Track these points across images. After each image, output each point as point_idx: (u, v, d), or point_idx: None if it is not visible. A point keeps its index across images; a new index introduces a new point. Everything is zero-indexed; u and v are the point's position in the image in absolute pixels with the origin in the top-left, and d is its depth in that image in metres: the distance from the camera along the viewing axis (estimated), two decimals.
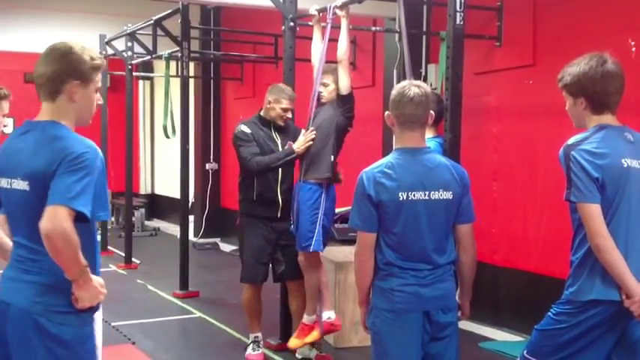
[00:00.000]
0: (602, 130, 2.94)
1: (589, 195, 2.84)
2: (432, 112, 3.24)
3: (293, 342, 5.24)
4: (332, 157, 4.98)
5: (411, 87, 3.16)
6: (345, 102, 4.98)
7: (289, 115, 5.39)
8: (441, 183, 3.15)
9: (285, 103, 5.31)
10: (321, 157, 4.99)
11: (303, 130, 5.12)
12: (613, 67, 2.95)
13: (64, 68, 2.62)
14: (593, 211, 2.84)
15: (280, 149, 5.29)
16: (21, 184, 2.60)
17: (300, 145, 5.05)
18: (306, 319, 5.16)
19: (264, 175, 5.28)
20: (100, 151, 2.63)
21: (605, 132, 2.93)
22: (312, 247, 4.92)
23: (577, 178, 2.85)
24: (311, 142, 5.01)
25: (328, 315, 5.14)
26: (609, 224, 2.85)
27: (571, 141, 2.94)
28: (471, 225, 3.27)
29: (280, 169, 5.30)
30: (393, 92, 3.21)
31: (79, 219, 2.49)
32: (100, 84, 2.75)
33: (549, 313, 3.04)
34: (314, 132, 5.01)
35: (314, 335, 5.15)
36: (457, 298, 3.33)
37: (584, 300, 2.90)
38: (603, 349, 2.94)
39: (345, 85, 4.93)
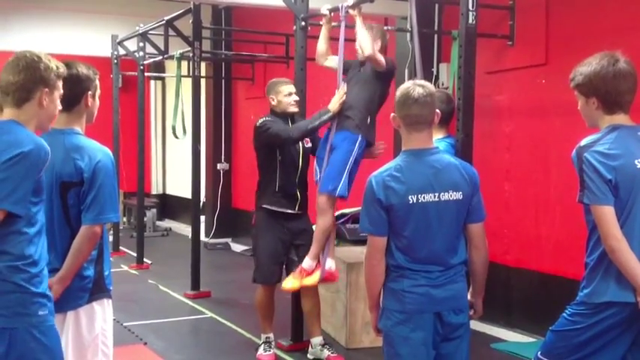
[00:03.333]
0: (614, 130, 2.91)
1: (602, 197, 2.82)
2: (437, 110, 3.21)
3: (290, 281, 4.99)
4: (367, 113, 4.83)
5: (415, 87, 3.14)
6: (381, 72, 4.81)
7: (297, 97, 5.35)
8: (450, 184, 3.12)
9: (286, 89, 5.32)
10: (355, 109, 4.83)
11: (336, 90, 4.96)
12: (625, 66, 2.92)
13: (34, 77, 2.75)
14: (607, 214, 2.81)
15: (300, 143, 5.30)
16: None
17: (334, 103, 4.90)
18: (306, 263, 4.94)
19: (286, 167, 5.26)
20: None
21: (618, 132, 2.91)
22: (338, 192, 4.79)
23: (590, 180, 2.83)
24: (344, 98, 4.86)
25: (330, 264, 5.00)
26: (623, 226, 2.82)
27: (583, 142, 2.92)
28: (482, 224, 3.24)
29: (300, 163, 5.32)
30: (397, 93, 3.18)
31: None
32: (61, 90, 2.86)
33: (564, 314, 3.02)
34: (345, 89, 4.88)
35: (313, 279, 4.95)
36: (469, 297, 3.31)
37: (599, 302, 2.88)
38: (618, 350, 2.91)
39: (380, 63, 4.74)
